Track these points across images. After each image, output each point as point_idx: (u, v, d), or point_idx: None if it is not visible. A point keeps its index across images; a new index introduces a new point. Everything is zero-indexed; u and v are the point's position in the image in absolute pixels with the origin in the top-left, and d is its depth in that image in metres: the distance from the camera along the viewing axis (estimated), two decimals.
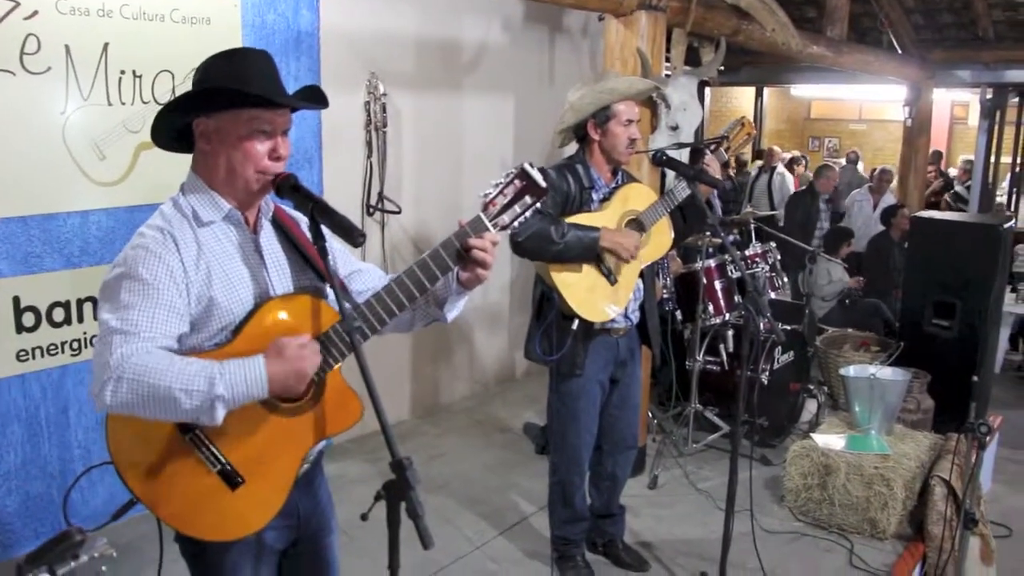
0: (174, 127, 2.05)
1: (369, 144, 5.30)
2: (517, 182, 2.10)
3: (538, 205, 2.13)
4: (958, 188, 11.98)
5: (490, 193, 2.11)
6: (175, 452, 1.94)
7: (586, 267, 3.49)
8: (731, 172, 10.52)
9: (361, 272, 2.34)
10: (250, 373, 1.85)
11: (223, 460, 1.97)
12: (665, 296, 5.46)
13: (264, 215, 2.15)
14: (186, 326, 1.95)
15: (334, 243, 2.19)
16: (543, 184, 2.09)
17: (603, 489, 4.01)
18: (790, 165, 13.10)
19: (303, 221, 2.24)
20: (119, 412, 1.85)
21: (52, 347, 3.81)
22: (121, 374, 1.81)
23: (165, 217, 2.01)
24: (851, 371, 4.92)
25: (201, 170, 2.06)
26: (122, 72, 3.86)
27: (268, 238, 2.15)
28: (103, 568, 1.33)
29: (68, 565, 1.29)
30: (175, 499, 1.98)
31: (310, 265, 2.20)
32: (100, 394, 1.82)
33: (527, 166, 2.10)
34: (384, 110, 5.28)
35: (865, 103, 18.43)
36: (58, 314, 3.82)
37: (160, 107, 2.03)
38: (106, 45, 3.78)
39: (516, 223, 2.13)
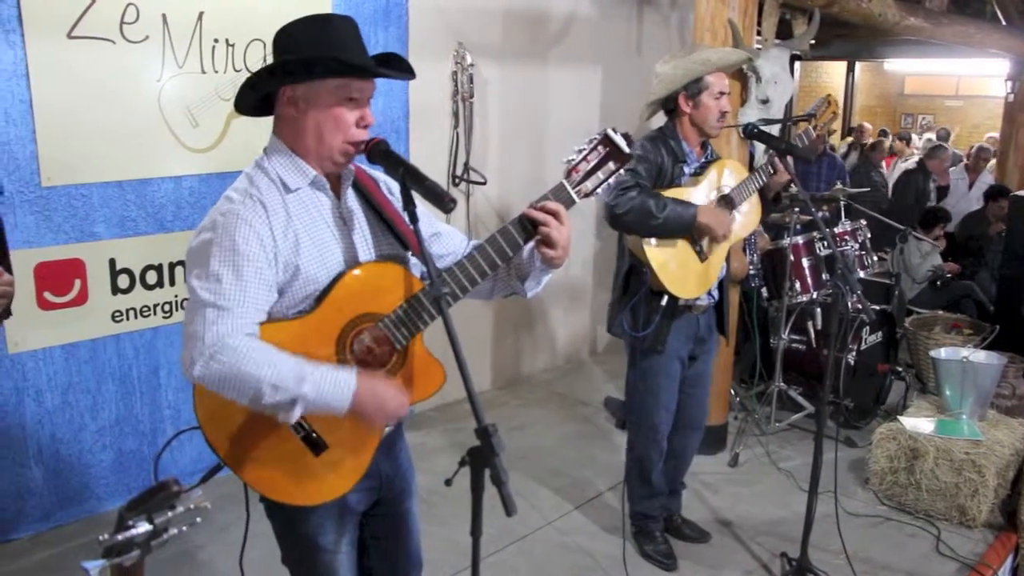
0: (262, 93, 2.04)
1: (456, 115, 5.30)
2: (600, 148, 2.06)
3: (622, 172, 2.09)
4: None
5: (573, 159, 2.07)
6: (260, 418, 1.95)
7: (679, 244, 3.45)
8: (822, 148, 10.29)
9: (441, 236, 2.30)
10: (339, 379, 1.87)
11: (307, 426, 1.99)
12: (751, 272, 5.38)
13: (346, 179, 2.11)
14: (275, 296, 1.95)
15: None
16: (627, 150, 2.05)
17: (668, 468, 3.93)
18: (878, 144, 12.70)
19: (381, 181, 2.22)
20: (204, 386, 1.88)
21: (145, 309, 3.93)
22: (215, 353, 1.82)
23: (254, 182, 1.99)
24: (942, 353, 4.77)
25: (286, 135, 2.03)
26: (216, 41, 3.94)
27: (352, 204, 2.12)
28: (198, 519, 1.37)
29: (166, 514, 1.33)
30: (260, 464, 2.01)
31: (391, 230, 2.16)
32: (191, 367, 1.84)
33: (610, 131, 2.05)
34: (471, 81, 5.26)
35: (963, 78, 17.78)
36: (151, 277, 3.93)
37: (251, 74, 2.02)
38: (201, 14, 3.86)
39: (599, 190, 2.09)
